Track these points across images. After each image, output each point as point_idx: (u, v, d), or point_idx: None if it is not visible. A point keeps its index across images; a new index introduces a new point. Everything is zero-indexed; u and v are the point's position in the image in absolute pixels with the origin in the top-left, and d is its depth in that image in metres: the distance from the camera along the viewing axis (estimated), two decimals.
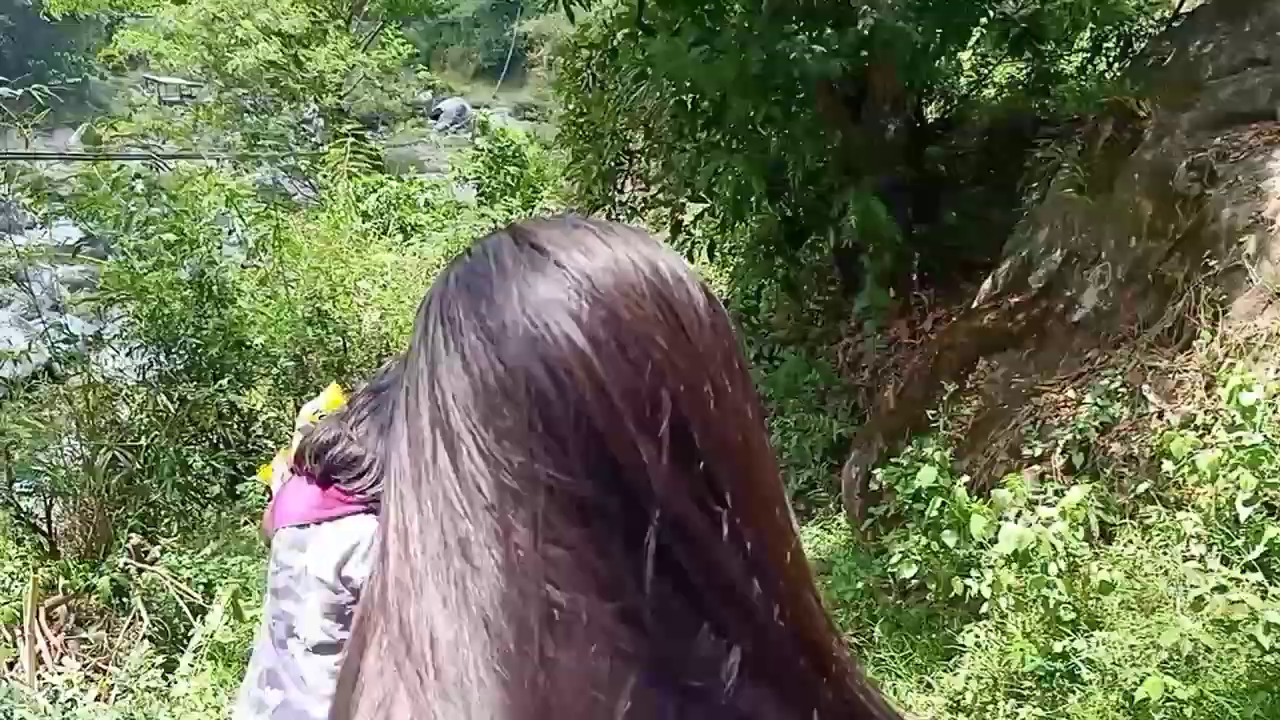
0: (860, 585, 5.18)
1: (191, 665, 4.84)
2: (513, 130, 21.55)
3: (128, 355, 9.04)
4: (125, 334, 8.94)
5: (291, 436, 2.70)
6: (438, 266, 15.54)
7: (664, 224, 10.87)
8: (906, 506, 4.69)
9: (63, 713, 2.93)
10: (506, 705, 0.52)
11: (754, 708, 0.54)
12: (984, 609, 4.23)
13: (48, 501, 7.77)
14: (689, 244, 9.07)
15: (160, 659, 5.13)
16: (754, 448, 0.61)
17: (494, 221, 18.80)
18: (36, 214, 9.90)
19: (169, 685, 4.66)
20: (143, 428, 8.86)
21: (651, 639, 0.54)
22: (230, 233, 11.16)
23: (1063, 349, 5.31)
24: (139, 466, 8.69)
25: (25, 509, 7.66)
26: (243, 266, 10.72)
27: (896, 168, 7.88)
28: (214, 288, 9.29)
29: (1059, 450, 4.76)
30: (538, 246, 0.62)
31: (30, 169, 10.34)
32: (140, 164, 10.52)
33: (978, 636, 4.27)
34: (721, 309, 0.65)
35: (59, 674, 4.19)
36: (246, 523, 8.21)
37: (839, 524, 6.75)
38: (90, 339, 9.46)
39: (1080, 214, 5.72)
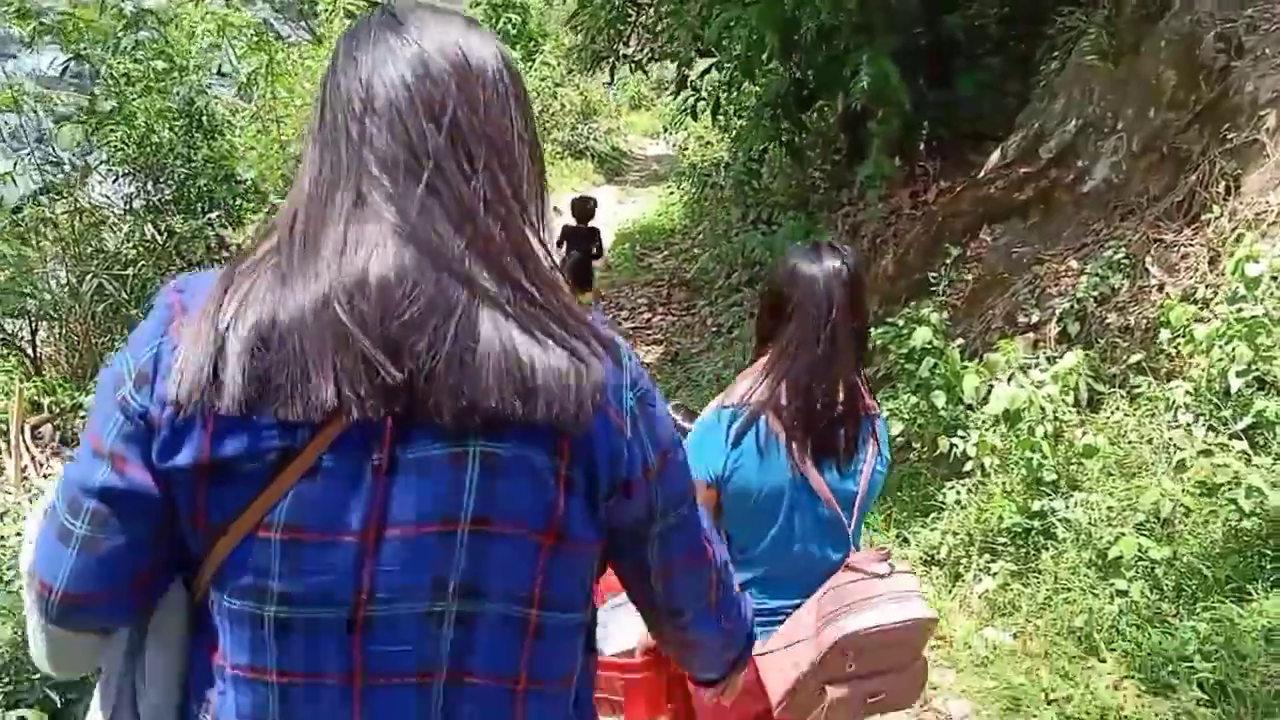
0: None
1: None
2: None
3: (115, 182, 8.84)
4: (111, 160, 8.72)
5: None
6: None
7: (669, 85, 10.57)
8: (898, 367, 4.68)
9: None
10: (328, 251, 0.95)
11: (467, 269, 0.97)
12: (967, 468, 4.26)
13: (33, 325, 7.72)
14: (694, 100, 8.84)
15: None
16: (512, 150, 1.04)
17: None
18: (22, 33, 9.50)
19: None
20: (130, 258, 8.74)
21: (413, 226, 0.97)
22: (219, 68, 10.81)
23: (1069, 220, 5.23)
24: (125, 296, 8.62)
25: (10, 331, 7.61)
26: (234, 101, 10.42)
27: (914, 30, 7.64)
28: (204, 117, 9.03)
29: (1055, 319, 4.73)
30: (397, 17, 1.04)
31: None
32: None
33: (959, 494, 4.32)
34: (515, 71, 1.07)
35: (45, 477, 4.21)
36: None
37: None
38: (77, 167, 9.24)
39: (1100, 82, 5.56)
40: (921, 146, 7.94)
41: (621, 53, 10.21)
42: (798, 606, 2.01)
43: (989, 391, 4.29)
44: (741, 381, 2.06)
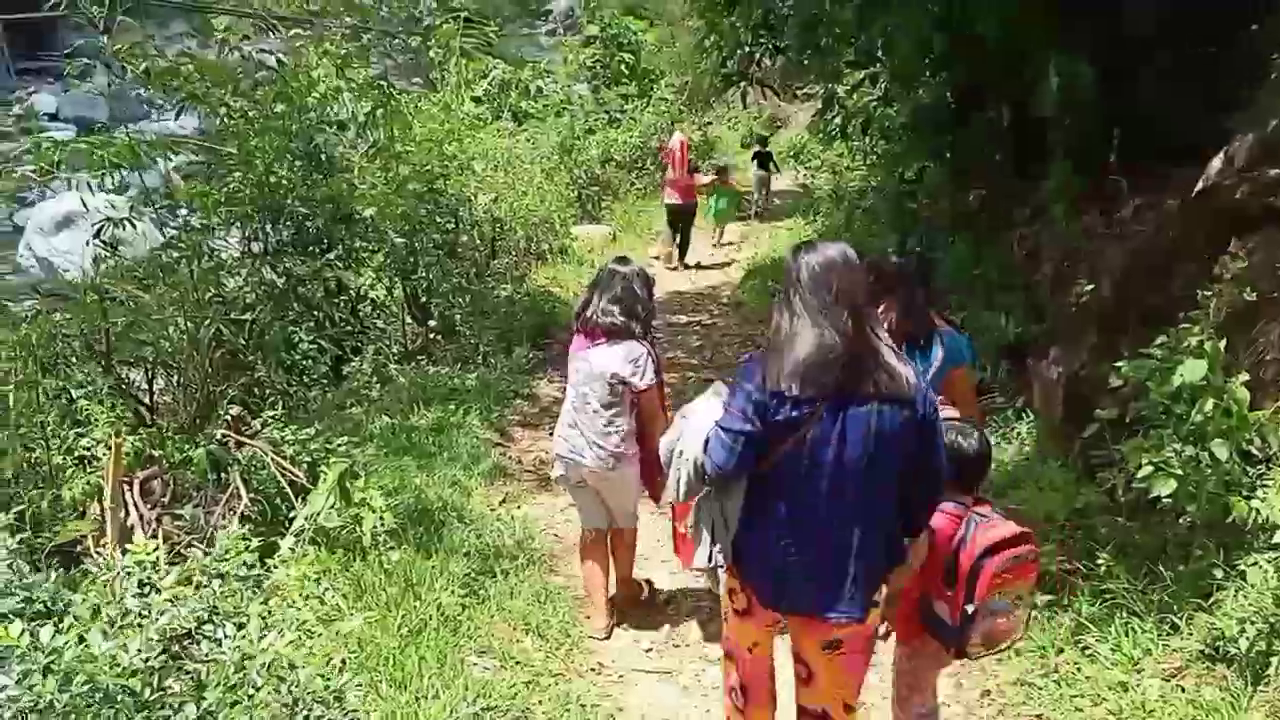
0: (1079, 503, 4.31)
1: (293, 550, 4.24)
2: (625, 16, 20.39)
3: (234, 225, 8.49)
4: (231, 202, 8.36)
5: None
6: (553, 154, 14.66)
7: (811, 98, 9.71)
8: (1161, 409, 3.76)
9: (140, 605, 2.36)
10: (804, 337, 2.61)
11: (856, 340, 2.63)
12: (1277, 539, 3.31)
13: (150, 373, 7.32)
14: (841, 119, 8.06)
15: (258, 541, 4.58)
16: (864, 291, 2.69)
17: (607, 112, 17.85)
18: (158, 100, 9.27)
19: (267, 570, 4.08)
20: (248, 302, 8.37)
21: (831, 325, 2.60)
22: (337, 113, 10.48)
23: None
24: (243, 342, 8.23)
25: (128, 380, 7.23)
26: (355, 138, 10.06)
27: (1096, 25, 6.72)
28: (323, 155, 8.63)
29: None
30: (815, 245, 2.78)
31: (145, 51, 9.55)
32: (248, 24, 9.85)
33: (1263, 570, 3.37)
34: (859, 258, 2.75)
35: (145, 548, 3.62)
36: (352, 405, 7.65)
37: (1020, 433, 5.84)
38: (195, 213, 8.87)
39: None
40: (1111, 158, 6.99)
41: (755, 75, 9.48)
42: None
43: None
44: None
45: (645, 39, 19.96)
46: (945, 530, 2.85)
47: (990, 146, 7.86)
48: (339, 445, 5.93)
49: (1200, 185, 5.50)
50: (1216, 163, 5.64)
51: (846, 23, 6.98)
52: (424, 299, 9.58)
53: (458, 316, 9.35)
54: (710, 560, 2.79)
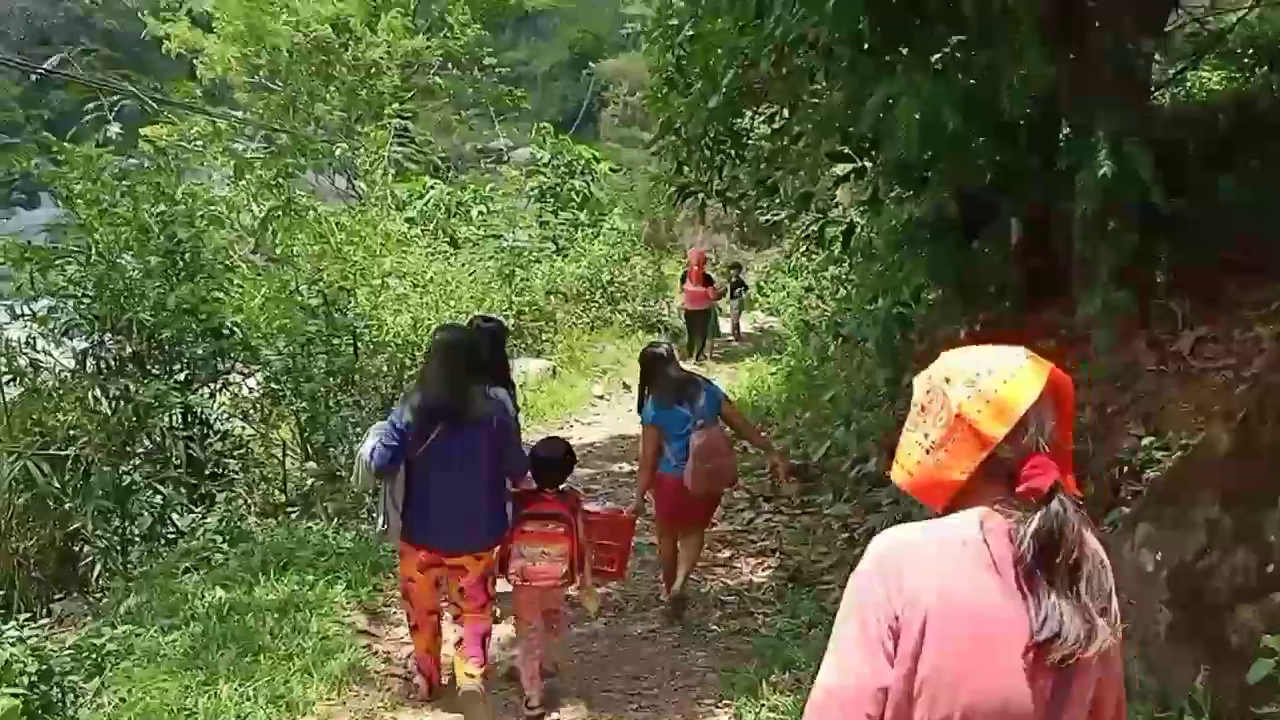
0: None
1: None
2: (579, 147, 19.33)
3: (64, 336, 6.76)
4: (61, 309, 6.62)
5: None
6: (493, 283, 13.13)
7: (776, 228, 8.33)
8: None
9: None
10: (429, 384, 4.55)
11: (456, 390, 4.43)
12: None
13: None
14: (821, 225, 6.60)
15: None
16: (463, 370, 4.49)
17: (554, 240, 16.52)
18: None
19: None
20: (72, 434, 6.58)
21: (441, 378, 4.44)
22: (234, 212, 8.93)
23: None
24: (58, 484, 6.41)
25: None
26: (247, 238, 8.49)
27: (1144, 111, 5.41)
28: (185, 254, 6.95)
29: None
30: (441, 327, 5.06)
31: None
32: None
33: None
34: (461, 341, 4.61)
35: None
36: (186, 570, 5.80)
37: None
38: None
39: None
40: (1158, 277, 5.59)
41: (714, 186, 8.05)
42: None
43: None
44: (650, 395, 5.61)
45: (599, 168, 18.88)
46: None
47: (1000, 264, 6.44)
48: (117, 637, 4.12)
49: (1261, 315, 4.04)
50: None
51: (837, 107, 5.58)
52: (306, 433, 7.80)
53: (343, 458, 7.57)
54: (384, 526, 4.28)
